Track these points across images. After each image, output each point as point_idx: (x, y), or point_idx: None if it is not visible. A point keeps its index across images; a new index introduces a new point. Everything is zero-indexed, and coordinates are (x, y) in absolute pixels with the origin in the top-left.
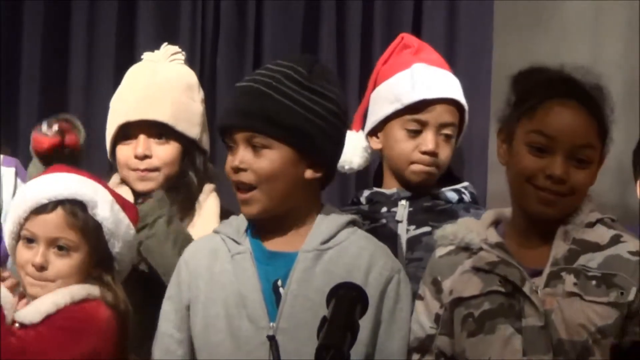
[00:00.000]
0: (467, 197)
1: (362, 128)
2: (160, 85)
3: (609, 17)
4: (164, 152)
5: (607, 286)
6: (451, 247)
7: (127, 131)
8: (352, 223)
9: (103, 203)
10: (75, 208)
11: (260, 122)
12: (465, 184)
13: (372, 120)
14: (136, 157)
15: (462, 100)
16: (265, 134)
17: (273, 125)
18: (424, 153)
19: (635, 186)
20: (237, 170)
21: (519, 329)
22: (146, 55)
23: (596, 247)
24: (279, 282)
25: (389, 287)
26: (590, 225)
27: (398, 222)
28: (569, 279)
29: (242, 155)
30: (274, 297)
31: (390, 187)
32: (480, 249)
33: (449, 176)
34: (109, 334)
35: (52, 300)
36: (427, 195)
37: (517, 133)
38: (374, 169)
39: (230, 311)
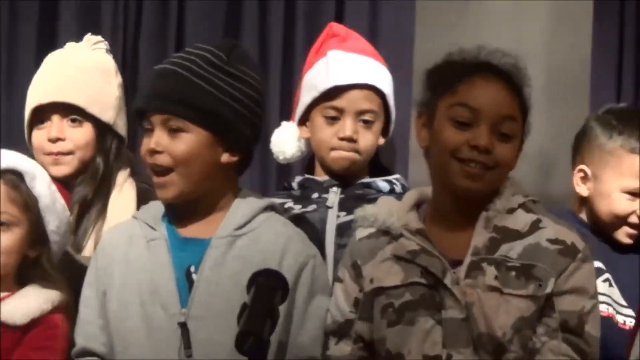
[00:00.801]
0: (398, 188)
1: None
2: (74, 68)
3: (530, 6)
4: (77, 135)
5: (526, 278)
6: (371, 230)
7: (42, 116)
8: (269, 208)
9: (41, 177)
10: (16, 180)
11: (177, 104)
12: (397, 175)
13: (298, 110)
14: (49, 140)
15: (380, 85)
16: (182, 116)
17: (189, 108)
18: (342, 139)
19: (560, 172)
20: (153, 152)
21: (439, 320)
22: (69, 44)
23: (517, 235)
24: (192, 269)
25: (303, 273)
26: (512, 211)
27: (328, 207)
28: (490, 271)
29: (158, 138)
30: (187, 283)
31: (321, 175)
32: (401, 234)
33: (381, 168)
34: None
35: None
36: (359, 184)
37: (438, 112)
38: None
39: (143, 298)
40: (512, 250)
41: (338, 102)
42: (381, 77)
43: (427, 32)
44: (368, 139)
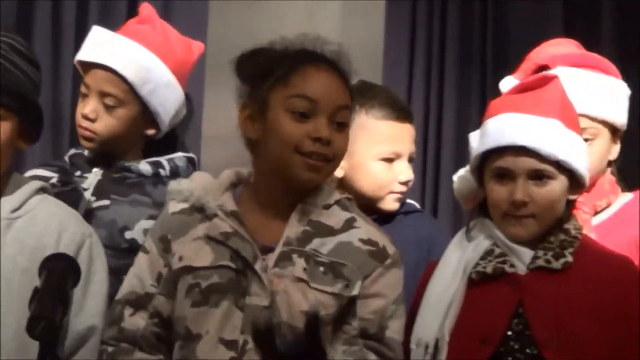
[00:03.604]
0: (165, 172)
1: None
2: None
3: None
4: None
5: (334, 275)
6: (185, 205)
7: None
8: (41, 190)
9: None
10: None
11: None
12: (177, 154)
13: None
14: None
15: (124, 71)
16: (6, 106)
17: (9, 96)
18: (83, 116)
19: None
20: None
21: (242, 306)
22: None
23: (330, 231)
24: None
25: (81, 252)
26: (328, 207)
27: (85, 189)
28: (299, 263)
29: None
30: None
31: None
32: (215, 215)
33: (165, 146)
34: None
35: None
36: (119, 167)
37: (272, 103)
38: None
39: None
40: (324, 246)
41: (87, 78)
42: (132, 64)
43: (220, 22)
44: (106, 122)
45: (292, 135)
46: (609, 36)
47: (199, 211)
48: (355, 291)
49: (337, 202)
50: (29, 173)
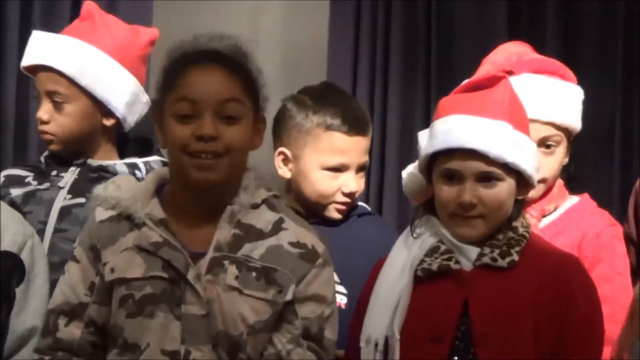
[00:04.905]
0: (141, 173)
1: None
2: None
3: None
4: None
5: (267, 281)
6: (112, 213)
7: None
8: None
9: None
10: None
11: None
12: (152, 158)
13: None
14: None
15: (60, 66)
16: None
17: None
18: (39, 122)
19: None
20: None
21: (179, 315)
22: None
23: (260, 235)
24: None
25: (23, 253)
26: (256, 206)
27: (60, 188)
28: (231, 270)
29: None
30: None
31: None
32: (144, 223)
33: (142, 150)
34: None
35: None
36: (96, 166)
37: (165, 110)
38: None
39: None
40: (255, 250)
41: (36, 83)
42: (66, 57)
43: (164, 22)
44: (59, 122)
45: (178, 138)
46: (553, 34)
47: (127, 219)
48: (289, 296)
49: (264, 201)
50: (4, 172)
